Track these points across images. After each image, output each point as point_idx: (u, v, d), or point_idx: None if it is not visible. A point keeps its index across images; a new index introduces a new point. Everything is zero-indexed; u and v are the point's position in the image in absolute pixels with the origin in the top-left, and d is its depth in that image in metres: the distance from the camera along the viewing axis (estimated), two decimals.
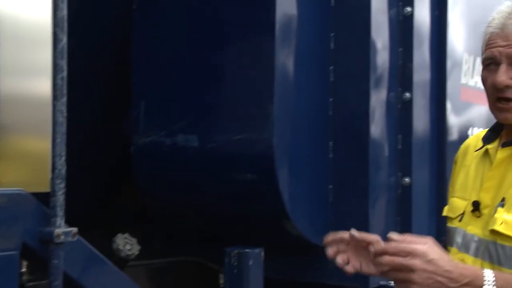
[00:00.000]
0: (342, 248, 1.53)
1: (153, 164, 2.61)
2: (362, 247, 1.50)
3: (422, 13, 2.64)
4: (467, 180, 1.62)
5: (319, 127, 2.49)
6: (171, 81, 2.57)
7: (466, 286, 1.30)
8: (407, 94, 2.60)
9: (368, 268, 1.51)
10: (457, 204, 1.62)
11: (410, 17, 2.57)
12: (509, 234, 1.42)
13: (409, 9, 2.56)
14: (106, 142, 2.60)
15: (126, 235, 2.38)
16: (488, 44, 1.50)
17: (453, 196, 1.66)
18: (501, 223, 1.44)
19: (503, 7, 1.51)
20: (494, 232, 1.45)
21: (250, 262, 2.18)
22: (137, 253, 2.39)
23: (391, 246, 1.31)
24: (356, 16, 2.47)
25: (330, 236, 1.56)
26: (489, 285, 1.30)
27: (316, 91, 2.48)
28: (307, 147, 2.45)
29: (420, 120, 2.71)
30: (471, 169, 1.63)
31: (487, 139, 1.59)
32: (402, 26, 2.58)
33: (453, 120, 2.90)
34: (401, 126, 2.62)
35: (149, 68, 2.59)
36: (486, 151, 1.59)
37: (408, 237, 1.33)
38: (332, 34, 2.50)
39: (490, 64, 1.50)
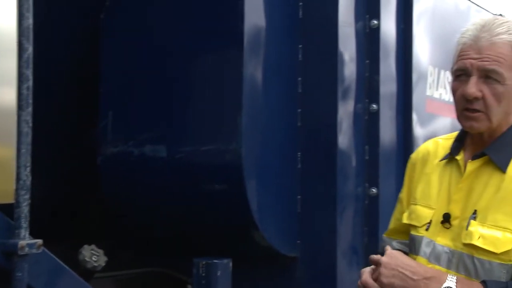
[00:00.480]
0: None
1: (120, 175, 2.59)
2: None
3: (388, 26, 2.69)
4: (430, 189, 1.63)
5: (288, 138, 2.51)
6: (139, 92, 2.56)
7: (428, 280, 1.38)
8: (374, 106, 2.63)
9: None
10: (421, 212, 1.62)
11: (376, 30, 2.61)
12: (488, 249, 1.44)
13: (375, 22, 2.60)
14: (73, 152, 2.57)
15: (93, 246, 2.35)
16: (461, 55, 1.51)
17: (415, 204, 1.67)
18: (479, 238, 1.46)
19: (478, 20, 1.52)
20: (470, 246, 1.47)
21: (218, 273, 2.17)
22: (103, 264, 2.36)
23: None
24: (324, 28, 2.50)
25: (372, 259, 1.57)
26: (451, 280, 1.37)
27: (285, 102, 2.50)
28: (275, 157, 2.46)
29: (387, 131, 2.74)
30: (433, 177, 1.64)
31: (455, 150, 1.60)
32: (368, 39, 2.61)
33: (419, 131, 2.95)
34: (368, 137, 2.65)
35: (117, 78, 2.58)
36: (451, 160, 1.60)
37: None
38: (300, 46, 2.52)
39: (461, 75, 1.51)
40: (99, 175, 2.58)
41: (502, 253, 1.43)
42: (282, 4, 2.46)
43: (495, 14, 3.44)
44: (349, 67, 2.56)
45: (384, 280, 1.42)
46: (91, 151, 2.56)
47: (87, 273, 2.31)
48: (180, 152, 2.45)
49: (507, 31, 1.48)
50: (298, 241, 2.54)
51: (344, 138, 2.55)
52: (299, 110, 2.54)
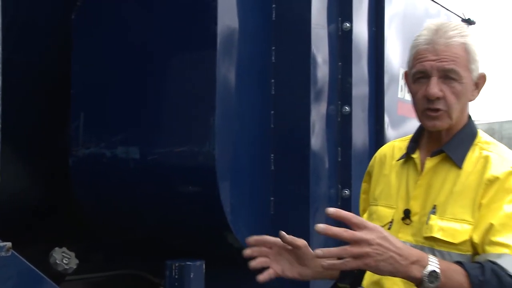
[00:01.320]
0: (264, 252, 1.63)
1: (92, 176, 2.57)
2: (286, 251, 1.61)
3: (360, 29, 2.71)
4: (390, 189, 1.71)
5: (261, 139, 2.51)
6: (112, 93, 2.54)
7: (414, 264, 1.40)
8: (347, 108, 2.65)
9: (291, 272, 1.63)
10: (383, 212, 1.70)
11: (349, 33, 2.63)
12: (448, 240, 1.53)
13: (348, 24, 2.63)
14: (43, 153, 2.54)
15: (64, 249, 2.32)
16: (418, 58, 1.59)
17: (376, 205, 1.74)
18: (438, 230, 1.54)
19: (430, 24, 1.61)
20: (431, 238, 1.55)
21: (191, 275, 2.17)
22: (75, 267, 2.33)
23: (349, 217, 1.37)
24: (297, 30, 2.52)
25: (254, 238, 1.64)
26: (432, 264, 1.40)
27: (258, 103, 2.50)
28: (248, 159, 2.47)
29: (359, 133, 2.77)
30: (391, 178, 1.72)
31: (411, 149, 1.69)
32: (341, 41, 2.64)
33: (391, 133, 2.98)
34: (341, 139, 2.67)
35: (89, 79, 2.55)
36: (408, 159, 1.69)
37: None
38: (273, 48, 2.53)
39: (421, 77, 1.59)
40: (71, 177, 2.55)
41: (460, 244, 1.52)
42: (255, 6, 2.47)
43: (464, 19, 3.50)
44: (322, 69, 2.57)
45: (373, 263, 1.36)
46: (63, 153, 2.53)
47: (58, 276, 2.28)
48: (153, 153, 2.44)
49: (459, 33, 1.58)
50: None
51: (317, 140, 2.57)
52: (272, 111, 2.54)
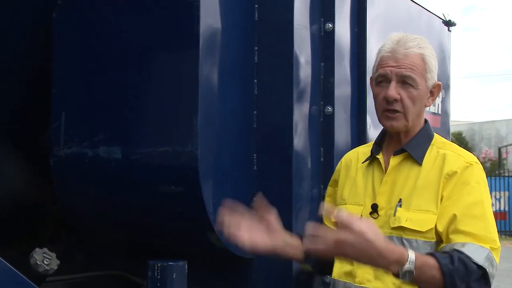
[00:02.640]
0: (235, 220, 1.79)
1: (74, 176, 2.55)
2: (257, 221, 1.80)
3: (342, 29, 2.72)
4: (357, 188, 1.90)
5: (243, 139, 2.52)
6: (93, 92, 2.52)
7: (392, 265, 1.58)
8: (329, 108, 2.66)
9: (263, 241, 1.79)
10: (352, 209, 1.87)
11: (331, 33, 2.64)
12: (415, 229, 1.72)
13: (330, 25, 2.64)
14: (24, 153, 2.52)
15: (45, 249, 2.30)
16: (380, 64, 1.82)
17: (344, 204, 1.92)
18: (406, 220, 1.73)
19: (393, 36, 1.84)
20: (399, 228, 1.74)
21: (174, 275, 2.16)
22: (56, 268, 2.32)
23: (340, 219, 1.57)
24: (279, 31, 2.52)
25: (226, 207, 1.80)
26: (410, 264, 1.58)
27: (241, 103, 2.50)
28: (231, 159, 2.47)
29: (342, 134, 2.78)
30: (358, 178, 1.92)
31: (376, 150, 1.90)
32: (323, 42, 2.64)
33: (373, 133, 2.99)
34: (324, 139, 2.68)
35: (70, 78, 2.54)
36: (373, 161, 1.89)
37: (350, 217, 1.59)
38: (256, 48, 2.54)
39: (382, 81, 1.81)
40: (52, 177, 2.53)
41: (427, 231, 1.71)
42: (238, 6, 2.47)
43: (445, 21, 3.53)
44: (305, 70, 2.58)
45: (351, 252, 1.54)
46: (44, 153, 2.51)
47: (39, 277, 2.26)
48: (135, 153, 2.43)
49: (417, 45, 1.79)
50: None
51: (300, 140, 2.58)
52: (255, 112, 2.55)
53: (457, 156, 1.79)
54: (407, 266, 1.56)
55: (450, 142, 1.90)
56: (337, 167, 2.05)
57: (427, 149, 1.82)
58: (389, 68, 1.78)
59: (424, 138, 1.84)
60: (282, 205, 2.53)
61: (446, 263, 1.60)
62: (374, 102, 1.86)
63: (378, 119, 1.85)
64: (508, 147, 19.71)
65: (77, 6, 2.57)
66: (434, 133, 1.89)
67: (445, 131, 3.49)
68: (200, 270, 2.38)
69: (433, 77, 1.81)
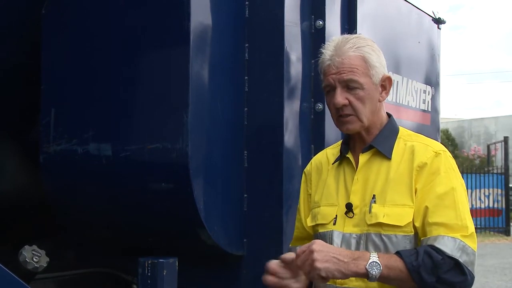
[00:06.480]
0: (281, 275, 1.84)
1: (64, 173, 2.54)
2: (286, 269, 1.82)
3: (333, 27, 2.73)
4: (329, 190, 1.90)
5: (234, 136, 2.51)
6: (83, 88, 2.51)
7: (356, 260, 1.65)
8: (319, 105, 2.67)
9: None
10: (326, 211, 1.88)
11: (321, 30, 2.64)
12: (394, 224, 1.73)
13: (320, 22, 2.64)
14: (14, 150, 2.50)
15: (34, 247, 2.29)
16: (324, 73, 1.84)
17: (318, 206, 1.92)
18: (384, 216, 1.74)
19: (330, 42, 1.85)
20: (377, 224, 1.75)
21: (164, 272, 2.15)
22: (45, 265, 2.31)
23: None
24: (270, 28, 2.52)
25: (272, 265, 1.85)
26: (374, 256, 1.65)
27: (231, 101, 2.50)
28: (222, 156, 2.47)
29: (332, 131, 2.78)
30: (329, 180, 1.92)
31: (344, 150, 1.90)
32: (314, 39, 2.65)
33: None
34: (314, 136, 2.68)
35: (59, 74, 2.52)
36: (343, 160, 1.90)
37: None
38: (246, 45, 2.53)
39: (329, 90, 1.83)
40: (41, 174, 2.52)
41: (405, 226, 1.73)
42: (228, 3, 2.47)
43: (435, 18, 3.54)
44: (295, 67, 2.58)
45: (319, 265, 1.63)
46: (33, 149, 2.50)
47: (28, 275, 2.25)
48: (126, 150, 2.42)
49: (353, 46, 1.80)
50: (245, 240, 2.55)
51: (290, 137, 2.58)
52: (246, 109, 2.55)
53: (425, 147, 1.80)
54: (372, 258, 1.64)
55: (416, 133, 1.90)
56: (307, 167, 2.04)
57: (394, 143, 1.84)
58: (331, 76, 1.80)
59: (389, 132, 1.86)
60: (272, 202, 2.54)
61: (411, 260, 1.64)
62: (329, 109, 1.88)
63: (335, 125, 1.87)
64: (497, 144, 19.83)
65: (65, 2, 2.56)
66: (399, 126, 1.90)
67: (435, 128, 3.50)
68: (191, 267, 2.38)
69: (378, 72, 1.81)
